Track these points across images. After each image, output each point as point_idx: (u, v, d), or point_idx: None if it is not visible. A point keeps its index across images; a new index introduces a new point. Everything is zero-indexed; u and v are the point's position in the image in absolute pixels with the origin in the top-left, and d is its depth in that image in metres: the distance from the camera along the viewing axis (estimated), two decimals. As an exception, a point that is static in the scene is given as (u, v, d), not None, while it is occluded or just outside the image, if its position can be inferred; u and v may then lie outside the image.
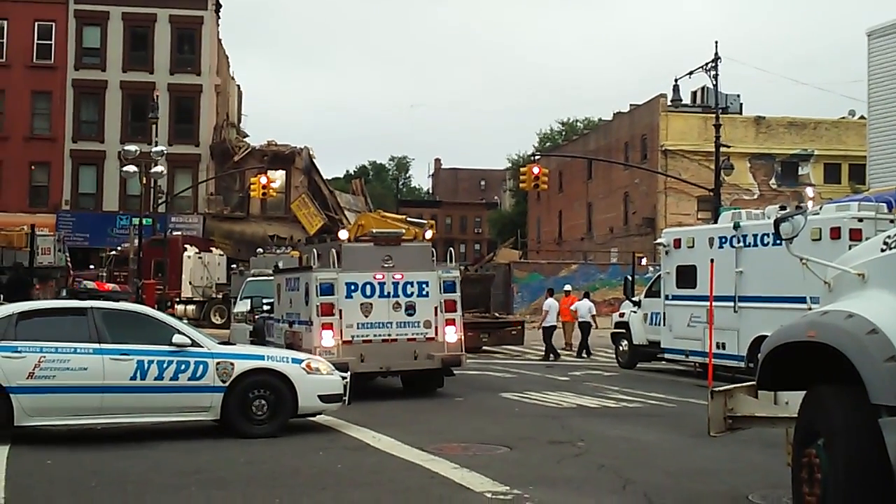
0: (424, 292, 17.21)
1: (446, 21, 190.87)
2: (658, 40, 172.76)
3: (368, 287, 16.92)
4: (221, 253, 45.60)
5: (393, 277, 17.06)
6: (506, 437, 12.43)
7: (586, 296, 30.16)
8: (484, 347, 28.59)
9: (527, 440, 12.38)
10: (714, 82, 38.04)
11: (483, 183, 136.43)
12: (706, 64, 37.62)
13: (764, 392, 7.78)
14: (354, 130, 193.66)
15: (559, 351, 27.49)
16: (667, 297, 22.28)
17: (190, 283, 42.67)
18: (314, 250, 18.15)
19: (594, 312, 29.52)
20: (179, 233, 48.23)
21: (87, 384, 11.71)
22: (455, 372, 18.22)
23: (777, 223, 7.32)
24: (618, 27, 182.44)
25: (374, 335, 16.91)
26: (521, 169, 41.23)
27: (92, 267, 47.05)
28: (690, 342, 21.11)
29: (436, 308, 17.26)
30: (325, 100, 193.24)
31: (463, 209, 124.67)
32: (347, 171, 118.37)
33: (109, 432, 12.47)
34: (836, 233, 16.97)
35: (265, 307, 21.16)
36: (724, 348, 19.60)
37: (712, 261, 19.07)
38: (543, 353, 27.22)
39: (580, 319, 28.75)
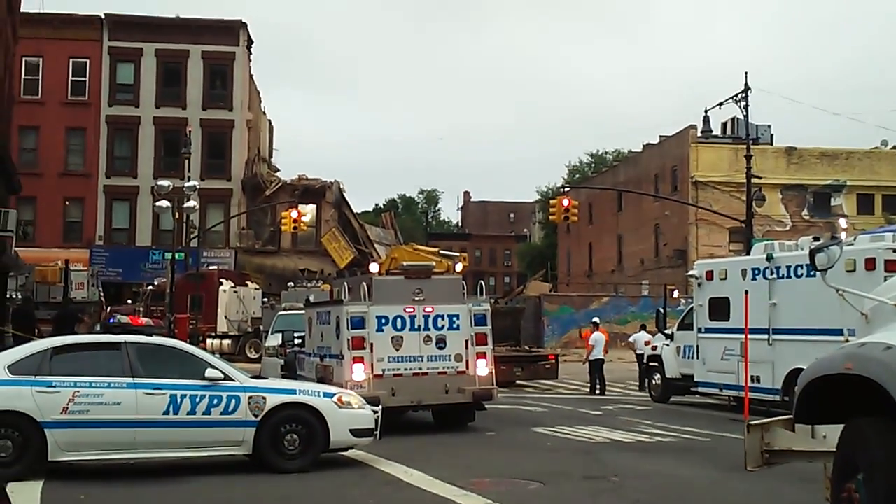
0: (455, 325, 17.17)
1: (479, 54, 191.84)
2: (690, 72, 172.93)
3: (399, 320, 16.90)
4: (257, 287, 45.77)
5: (424, 311, 17.03)
6: (539, 472, 12.32)
7: (643, 328, 29.45)
8: (517, 382, 28.37)
9: (560, 475, 12.27)
10: (744, 113, 37.88)
11: (512, 215, 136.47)
12: (736, 95, 37.52)
13: (801, 426, 7.66)
14: (384, 164, 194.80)
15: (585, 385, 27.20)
16: (699, 330, 22.09)
17: (226, 317, 42.84)
18: (345, 284, 18.17)
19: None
20: (215, 267, 48.51)
21: (121, 419, 11.76)
22: (486, 406, 18.10)
23: (812, 254, 7.27)
24: (650, 59, 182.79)
25: (405, 369, 16.86)
26: (551, 201, 41.22)
27: (129, 302, 47.42)
28: (724, 375, 20.90)
29: (466, 341, 17.19)
30: (356, 133, 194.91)
31: (492, 242, 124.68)
32: (377, 205, 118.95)
33: (142, 467, 12.50)
34: (871, 264, 16.78)
35: (296, 341, 21.20)
36: (758, 381, 19.36)
37: (747, 292, 18.93)
38: (589, 387, 26.82)
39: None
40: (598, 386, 26.57)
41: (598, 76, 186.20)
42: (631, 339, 28.65)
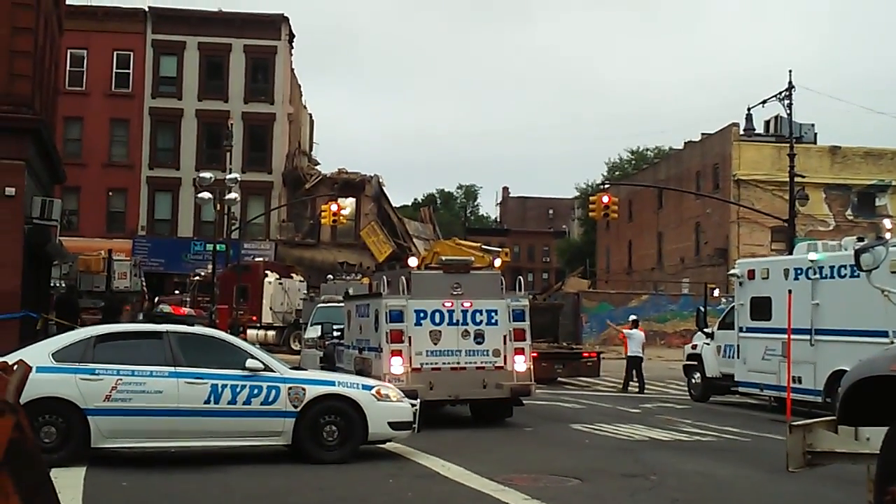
0: (493, 321, 17.15)
1: (523, 50, 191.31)
2: (735, 69, 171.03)
3: (437, 314, 16.93)
4: (302, 279, 46.05)
5: (462, 305, 17.04)
6: (577, 469, 12.29)
7: (636, 325, 28.98)
8: (558, 378, 28.27)
9: (598, 472, 12.23)
10: (788, 111, 37.48)
11: (551, 212, 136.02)
12: (780, 93, 37.13)
13: (844, 427, 7.58)
14: (423, 158, 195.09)
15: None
16: (741, 330, 21.91)
17: (270, 308, 43.18)
18: (384, 277, 18.25)
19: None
20: (261, 259, 48.89)
21: (162, 407, 11.89)
22: (524, 402, 18.07)
23: (858, 254, 7.19)
24: (697, 55, 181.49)
25: (443, 363, 16.88)
26: (591, 198, 41.05)
27: (177, 292, 47.93)
28: (765, 375, 20.72)
29: (505, 336, 17.17)
30: (396, 127, 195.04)
31: (531, 238, 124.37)
32: (415, 199, 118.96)
33: (183, 455, 12.63)
34: (917, 265, 16.52)
35: (335, 333, 21.31)
36: (800, 382, 19.17)
37: (790, 292, 18.73)
38: (622, 384, 26.66)
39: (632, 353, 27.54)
40: (632, 383, 26.36)
41: (642, 72, 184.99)
42: (627, 334, 27.90)
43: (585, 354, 29.95)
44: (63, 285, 33.65)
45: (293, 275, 46.37)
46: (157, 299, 39.01)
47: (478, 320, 17.08)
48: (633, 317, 31.77)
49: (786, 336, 18.82)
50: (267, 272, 44.42)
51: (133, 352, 12.28)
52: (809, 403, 18.78)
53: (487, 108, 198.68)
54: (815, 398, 18.82)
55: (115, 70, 55.44)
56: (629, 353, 27.10)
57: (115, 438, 11.90)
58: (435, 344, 16.86)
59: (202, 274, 45.89)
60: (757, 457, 13.96)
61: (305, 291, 43.04)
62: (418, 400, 13.70)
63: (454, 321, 16.98)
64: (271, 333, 42.07)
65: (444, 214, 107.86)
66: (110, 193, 55.26)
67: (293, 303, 42.93)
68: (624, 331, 28.47)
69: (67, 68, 50.88)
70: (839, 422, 7.28)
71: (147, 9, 56.14)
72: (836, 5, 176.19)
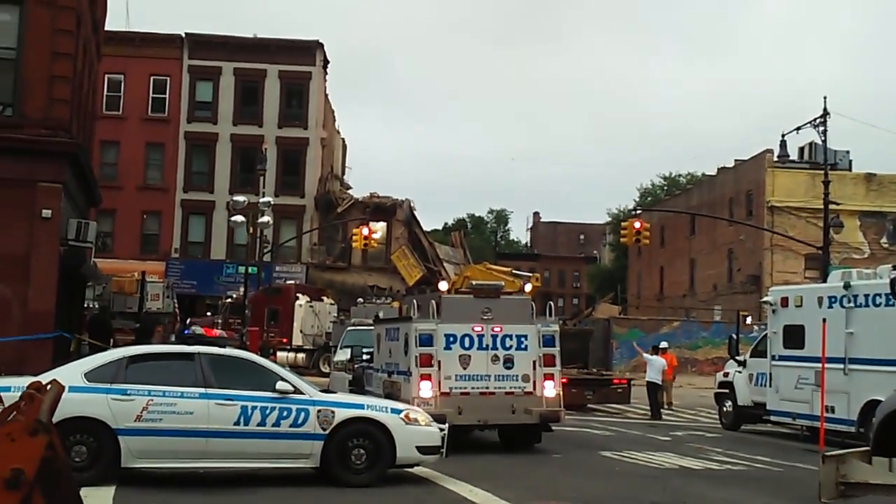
0: (523, 346, 17.09)
1: (557, 75, 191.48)
2: (769, 95, 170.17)
3: (467, 339, 16.90)
4: (332, 302, 46.23)
5: (492, 330, 17.00)
6: (606, 497, 12.20)
7: (656, 351, 28.74)
8: (588, 405, 28.09)
9: (628, 500, 12.14)
10: (822, 138, 37.24)
11: (582, 237, 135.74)
12: (814, 119, 36.91)
13: (879, 458, 7.49)
14: (454, 182, 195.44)
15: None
16: (773, 358, 21.68)
17: (301, 331, 43.36)
18: (414, 301, 18.26)
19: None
20: (293, 282, 49.13)
21: (193, 428, 11.95)
22: (553, 428, 17.97)
23: (893, 283, 7.12)
24: (730, 81, 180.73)
25: (472, 387, 16.82)
26: (623, 223, 40.92)
27: (209, 314, 48.25)
28: (798, 405, 20.48)
29: (534, 362, 17.10)
30: (427, 152, 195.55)
31: (561, 263, 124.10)
32: (446, 224, 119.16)
33: (211, 476, 12.67)
34: (953, 294, 16.31)
35: (365, 356, 21.33)
36: (833, 412, 18.93)
37: (824, 320, 18.55)
38: (650, 412, 26.56)
39: (649, 379, 27.27)
40: (663, 410, 26.23)
41: (675, 98, 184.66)
42: (646, 358, 27.71)
43: (616, 381, 29.71)
44: (96, 306, 33.97)
45: (324, 298, 46.55)
46: (188, 321, 39.31)
47: (507, 345, 17.03)
48: (664, 343, 31.63)
49: (819, 365, 18.63)
50: (298, 295, 44.64)
51: (164, 373, 12.35)
52: (842, 433, 18.52)
53: (519, 132, 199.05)
54: (848, 428, 18.56)
55: (151, 95, 56.17)
56: (647, 379, 27.03)
57: (145, 458, 11.96)
58: (464, 368, 16.82)
59: (234, 296, 46.19)
60: (789, 487, 13.79)
61: (336, 314, 43.17)
62: (447, 424, 13.66)
63: (484, 346, 16.94)
64: (301, 356, 42.21)
65: (474, 239, 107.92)
66: (145, 216, 55.84)
67: (323, 326, 43.07)
68: (644, 356, 28.38)
69: (105, 93, 51.63)
70: (873, 453, 7.21)
71: (184, 34, 56.93)
72: (873, 32, 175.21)
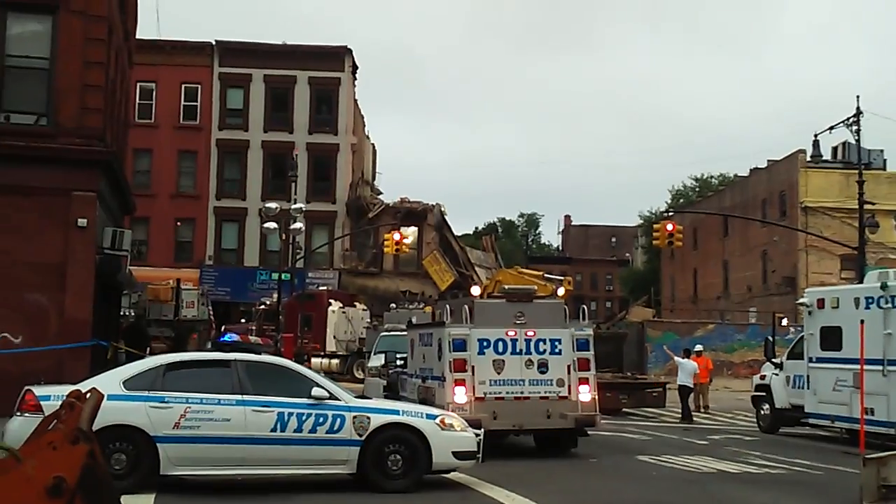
0: (557, 350, 17.01)
1: (589, 78, 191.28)
2: (803, 95, 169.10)
3: (501, 343, 16.84)
4: (365, 308, 46.35)
5: (525, 334, 16.93)
6: (642, 501, 12.13)
7: (688, 354, 28.73)
8: (623, 409, 27.95)
9: (665, 505, 12.05)
10: (856, 137, 36.82)
11: (614, 240, 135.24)
12: (847, 119, 36.49)
13: (922, 461, 7.38)
14: (485, 187, 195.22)
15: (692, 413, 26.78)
16: (810, 360, 21.47)
17: (334, 336, 43.50)
18: (447, 306, 18.23)
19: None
20: (325, 287, 49.30)
21: (230, 435, 12.00)
22: (589, 432, 17.88)
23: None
24: (764, 81, 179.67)
25: (507, 392, 16.77)
26: (655, 225, 40.67)
27: (243, 321, 48.54)
28: (836, 407, 20.26)
29: (569, 366, 17.00)
30: (458, 156, 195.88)
31: (593, 266, 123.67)
32: (476, 228, 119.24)
33: (249, 483, 12.72)
34: None
35: (399, 362, 21.34)
36: (872, 414, 18.69)
37: (862, 322, 18.34)
38: (681, 415, 26.50)
39: (680, 383, 27.35)
40: (696, 413, 26.13)
41: (709, 99, 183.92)
42: (677, 361, 27.72)
43: (651, 385, 29.55)
44: (132, 314, 34.28)
45: (356, 304, 46.67)
46: (223, 328, 39.56)
47: (541, 349, 16.95)
48: (699, 346, 31.41)
49: (857, 366, 18.41)
50: (331, 301, 44.80)
51: (201, 380, 12.42)
52: (882, 436, 18.30)
53: (549, 136, 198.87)
54: (888, 430, 18.35)
55: (183, 103, 56.59)
56: (678, 383, 26.92)
57: (184, 466, 12.03)
58: (498, 373, 16.77)
59: (267, 303, 46.44)
60: (829, 490, 13.62)
61: (369, 320, 43.26)
62: (482, 430, 13.63)
63: (517, 350, 16.88)
64: (335, 362, 42.33)
65: (505, 243, 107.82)
66: (178, 224, 56.25)
67: (356, 331, 43.18)
68: (675, 359, 28.26)
69: (137, 101, 52.00)
70: (916, 455, 7.10)
71: (214, 42, 57.34)
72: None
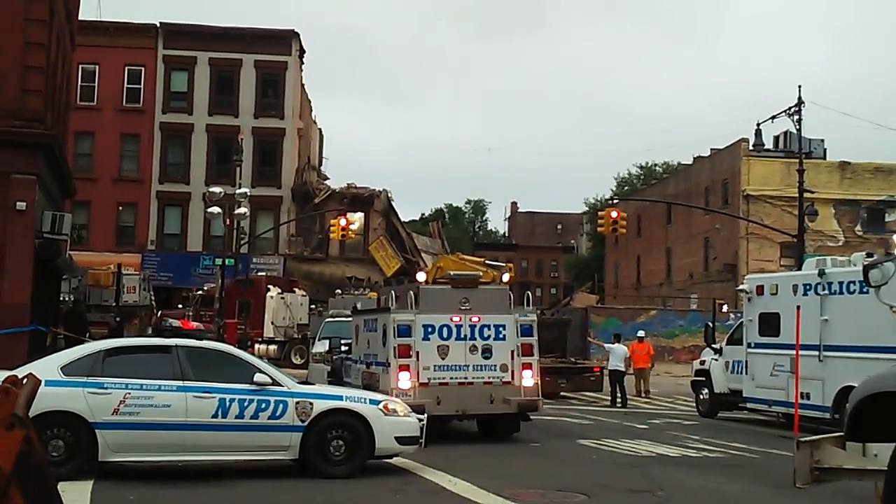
0: (501, 336, 17.13)
1: (536, 61, 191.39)
2: (753, 84, 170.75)
3: (445, 329, 16.92)
4: (304, 294, 46.19)
5: (470, 320, 17.03)
6: (583, 485, 12.27)
7: (618, 339, 29.26)
8: (562, 393, 28.30)
9: (605, 488, 12.21)
10: (797, 127, 37.50)
11: (560, 227, 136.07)
12: (789, 108, 37.14)
13: (852, 443, 7.57)
14: (432, 173, 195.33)
15: (628, 398, 27.16)
16: (749, 345, 21.86)
17: (272, 323, 43.29)
18: (392, 292, 18.25)
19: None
20: (263, 273, 49.00)
21: (171, 421, 11.92)
22: (532, 417, 18.05)
23: (866, 270, 7.20)
24: (715, 70, 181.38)
25: (451, 378, 16.86)
26: (599, 213, 41.05)
27: (180, 306, 48.06)
28: (774, 391, 20.66)
29: (512, 352, 17.15)
30: (405, 142, 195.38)
31: (539, 253, 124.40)
32: (423, 214, 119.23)
33: (190, 470, 12.64)
34: (926, 281, 16.47)
35: (343, 348, 21.33)
36: (808, 398, 19.12)
37: (798, 307, 18.71)
38: (610, 399, 26.88)
39: (611, 367, 27.73)
40: (619, 398, 26.54)
41: (659, 87, 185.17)
42: (606, 348, 28.30)
43: (588, 369, 30.00)
44: (72, 299, 33.78)
45: (296, 289, 46.54)
46: (159, 314, 39.16)
47: (486, 335, 17.07)
48: (640, 332, 31.85)
49: (794, 352, 18.78)
50: (269, 287, 44.60)
51: (142, 366, 12.31)
52: (818, 420, 18.71)
53: (498, 122, 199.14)
54: (823, 414, 18.76)
55: (126, 85, 55.72)
56: (609, 368, 27.34)
57: (123, 452, 11.93)
58: (443, 359, 16.86)
59: (205, 288, 46.09)
60: (764, 473, 13.93)
61: (311, 306, 43.12)
62: (425, 415, 13.70)
63: (462, 336, 16.97)
64: (272, 348, 42.12)
65: (452, 229, 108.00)
66: (120, 208, 55.47)
67: (295, 317, 43.14)
68: (605, 345, 28.78)
69: (79, 83, 51.16)
70: (847, 438, 7.27)
71: (158, 24, 56.51)
72: (851, 22, 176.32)
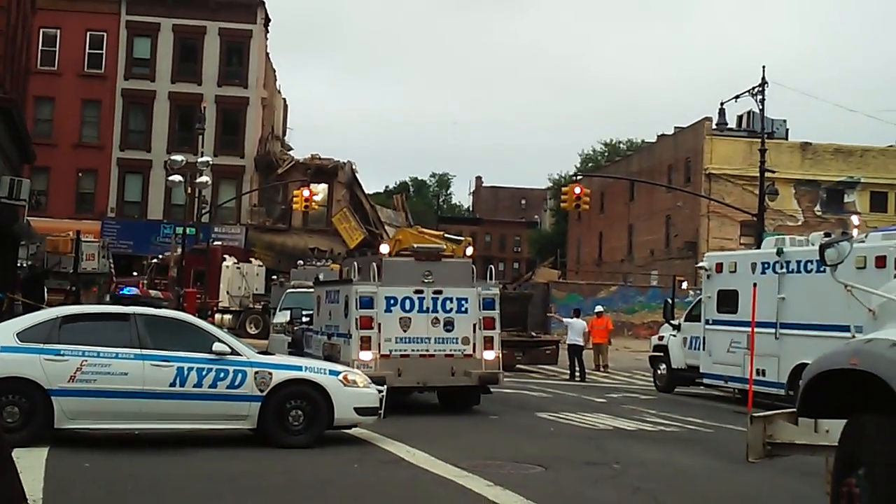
0: (463, 309, 17.14)
1: (506, 36, 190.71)
2: (719, 63, 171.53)
3: (408, 301, 16.90)
4: (260, 264, 46.05)
5: (432, 293, 17.01)
6: (541, 457, 12.37)
7: (577, 314, 29.54)
8: (518, 366, 28.51)
9: (562, 460, 12.32)
10: (760, 107, 37.75)
11: (524, 202, 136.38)
12: (752, 88, 37.37)
13: (804, 419, 7.67)
14: (397, 146, 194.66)
15: (587, 372, 27.42)
16: (707, 322, 22.09)
17: (227, 292, 43.15)
18: (355, 263, 18.22)
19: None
20: (219, 243, 48.73)
21: (128, 389, 11.84)
22: (492, 390, 18.14)
23: (822, 249, 7.26)
24: (682, 47, 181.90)
25: (412, 350, 16.87)
26: (563, 189, 41.17)
27: (135, 274, 47.66)
28: (730, 368, 20.92)
29: (474, 325, 17.16)
30: (370, 114, 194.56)
31: (503, 227, 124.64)
32: (388, 187, 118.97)
33: (147, 438, 12.59)
34: (881, 261, 16.72)
35: (304, 318, 21.27)
36: (763, 375, 19.38)
37: (755, 285, 18.91)
38: (569, 373, 27.15)
39: (570, 342, 27.91)
40: (577, 372, 26.81)
41: (629, 64, 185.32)
42: (565, 322, 28.59)
43: (545, 343, 30.23)
44: (30, 265, 33.38)
45: (252, 259, 46.39)
46: (113, 280, 38.83)
47: (448, 308, 17.06)
48: (599, 307, 32.06)
49: (751, 329, 19.01)
50: (225, 256, 44.43)
51: (99, 333, 12.21)
52: (773, 396, 18.98)
53: (464, 96, 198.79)
54: (778, 391, 19.02)
55: (87, 50, 54.90)
56: (568, 342, 27.60)
57: (79, 419, 11.86)
58: (404, 331, 16.84)
59: (160, 257, 45.82)
60: (718, 447, 14.12)
61: (273, 277, 42.95)
62: (385, 386, 13.72)
63: (424, 308, 16.95)
64: (227, 317, 41.98)
65: (416, 202, 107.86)
66: (80, 174, 54.74)
67: (251, 287, 43.06)
68: (564, 320, 29.05)
69: (39, 48, 50.36)
70: (799, 414, 7.36)
71: (121, -11, 55.61)
72: (821, 4, 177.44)
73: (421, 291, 16.93)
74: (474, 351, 17.11)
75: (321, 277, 23.02)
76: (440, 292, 17.01)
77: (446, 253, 18.91)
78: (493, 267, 18.91)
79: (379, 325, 16.67)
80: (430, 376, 17.03)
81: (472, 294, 17.26)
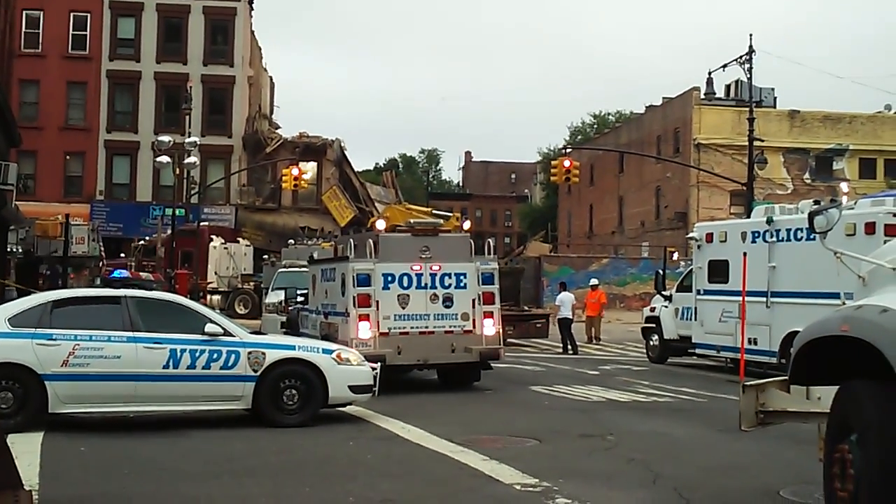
0: (462, 284, 16.96)
1: (493, 10, 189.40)
2: (708, 33, 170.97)
3: (406, 278, 16.71)
4: (248, 244, 46.01)
5: (430, 268, 16.81)
6: (535, 430, 12.42)
7: (564, 288, 29.59)
8: (509, 340, 28.54)
9: (556, 433, 12.38)
10: (748, 76, 37.73)
11: (513, 176, 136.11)
12: (740, 57, 37.34)
13: (796, 387, 7.72)
14: (386, 122, 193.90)
15: (578, 344, 27.51)
16: (698, 292, 22.14)
17: (216, 273, 43.13)
18: (351, 240, 18.00)
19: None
20: (207, 224, 48.63)
21: (121, 372, 11.85)
22: (492, 365, 18.01)
23: (811, 216, 7.29)
24: (671, 18, 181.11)
25: (412, 327, 16.70)
26: (553, 162, 41.14)
27: (123, 256, 47.56)
28: (722, 337, 20.99)
29: (473, 300, 16.98)
30: (358, 91, 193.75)
31: (493, 202, 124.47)
32: (377, 164, 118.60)
33: (142, 420, 12.61)
34: (870, 228, 16.77)
35: (299, 298, 21.18)
36: (755, 343, 19.46)
37: (745, 254, 18.95)
38: (562, 347, 27.25)
39: (559, 316, 28.09)
40: (569, 345, 26.91)
41: (619, 36, 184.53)
42: (557, 302, 28.65)
43: (536, 316, 30.27)
44: (20, 251, 33.26)
45: (240, 239, 46.32)
46: (102, 263, 38.77)
47: (446, 284, 16.88)
48: (593, 280, 32.09)
49: (742, 298, 19.06)
50: (212, 237, 44.34)
51: (91, 317, 12.19)
52: (765, 365, 19.06)
53: (452, 72, 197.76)
54: (770, 359, 19.10)
55: (71, 32, 54.44)
56: (559, 316, 27.63)
57: (73, 404, 11.85)
58: (403, 308, 16.66)
59: (147, 238, 45.74)
60: (712, 416, 14.19)
61: (264, 256, 42.92)
62: (379, 364, 13.71)
63: (422, 285, 16.76)
64: (216, 298, 41.96)
65: (406, 179, 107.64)
66: (67, 157, 54.45)
67: (239, 267, 43.03)
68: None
69: (23, 30, 49.95)
70: (791, 381, 7.41)
71: (104, -31, 55.12)
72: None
73: (419, 267, 16.78)
74: (474, 327, 16.97)
75: (315, 256, 22.89)
76: (438, 268, 16.87)
77: (443, 228, 18.76)
78: (490, 241, 18.73)
79: (377, 302, 16.50)
80: (430, 353, 16.89)
81: (470, 269, 17.10)
